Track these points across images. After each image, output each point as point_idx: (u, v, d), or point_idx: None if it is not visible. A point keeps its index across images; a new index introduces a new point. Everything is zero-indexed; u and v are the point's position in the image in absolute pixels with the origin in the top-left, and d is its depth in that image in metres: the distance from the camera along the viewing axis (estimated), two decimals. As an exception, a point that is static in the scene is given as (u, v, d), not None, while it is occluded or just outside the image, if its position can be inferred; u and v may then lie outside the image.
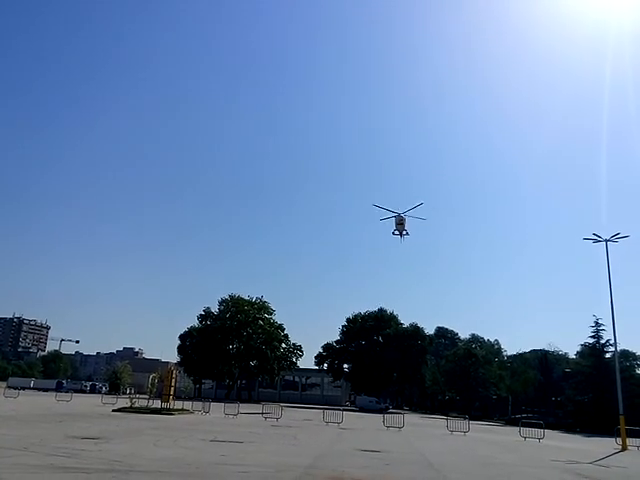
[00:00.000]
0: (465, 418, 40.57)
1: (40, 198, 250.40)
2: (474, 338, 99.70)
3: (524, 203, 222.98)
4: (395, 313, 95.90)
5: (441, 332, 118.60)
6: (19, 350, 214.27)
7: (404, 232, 44.81)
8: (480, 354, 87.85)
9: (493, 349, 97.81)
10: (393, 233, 43.76)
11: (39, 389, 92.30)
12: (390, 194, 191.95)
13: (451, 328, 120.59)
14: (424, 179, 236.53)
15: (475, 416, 67.30)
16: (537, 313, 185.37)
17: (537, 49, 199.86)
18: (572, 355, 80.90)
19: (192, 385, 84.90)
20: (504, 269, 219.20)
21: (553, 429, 48.38)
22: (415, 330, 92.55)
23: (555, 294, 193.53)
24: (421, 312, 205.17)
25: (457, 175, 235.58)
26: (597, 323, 60.79)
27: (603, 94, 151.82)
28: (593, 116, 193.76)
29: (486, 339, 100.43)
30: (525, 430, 35.29)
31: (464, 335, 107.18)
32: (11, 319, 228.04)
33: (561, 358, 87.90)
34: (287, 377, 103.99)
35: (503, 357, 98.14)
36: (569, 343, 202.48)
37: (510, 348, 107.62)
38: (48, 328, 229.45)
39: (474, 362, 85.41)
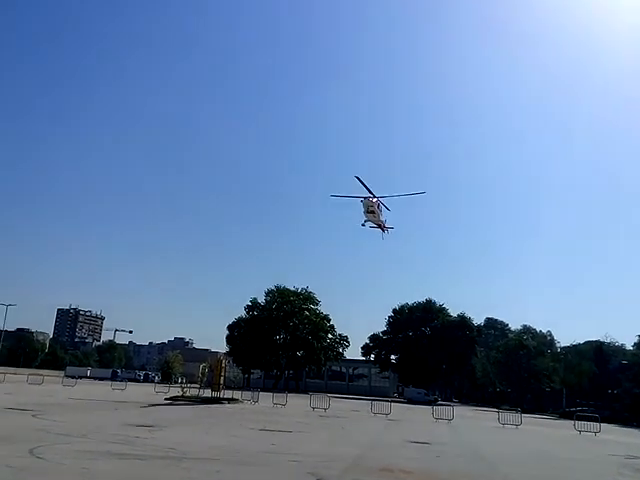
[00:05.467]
0: (517, 411, 39.55)
1: (94, 193, 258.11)
2: (526, 329, 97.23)
3: (584, 191, 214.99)
4: (444, 305, 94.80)
5: (490, 323, 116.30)
6: (76, 340, 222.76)
7: (384, 223, 34.45)
8: (532, 345, 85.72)
9: (546, 340, 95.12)
10: (363, 225, 33.24)
11: (95, 378, 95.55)
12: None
13: (501, 319, 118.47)
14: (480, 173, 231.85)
15: (528, 409, 65.68)
16: (593, 303, 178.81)
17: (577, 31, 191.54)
18: (629, 347, 77.95)
19: (241, 375, 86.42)
20: (557, 260, 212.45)
21: (609, 423, 46.70)
22: (463, 321, 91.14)
23: (612, 284, 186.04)
24: (470, 302, 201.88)
25: (516, 163, 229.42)
26: (657, 314, 58.31)
27: None
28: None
29: (538, 330, 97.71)
30: (580, 423, 34.21)
31: (515, 326, 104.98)
32: (68, 310, 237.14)
33: (618, 350, 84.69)
34: (334, 367, 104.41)
35: (556, 349, 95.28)
36: (626, 334, 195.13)
37: (564, 339, 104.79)
38: (103, 319, 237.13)
39: (526, 353, 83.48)
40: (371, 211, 31.91)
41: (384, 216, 34.07)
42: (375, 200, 31.77)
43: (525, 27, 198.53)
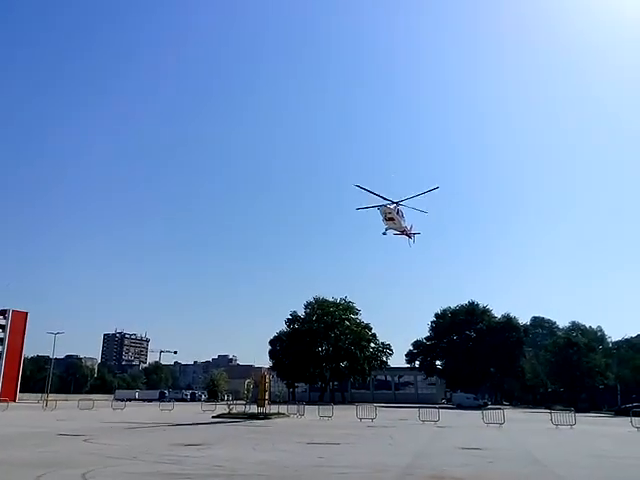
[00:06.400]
0: (571, 410, 38.25)
1: (138, 215, 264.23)
2: (574, 326, 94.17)
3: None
4: (487, 306, 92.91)
5: (537, 322, 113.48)
6: (123, 363, 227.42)
7: (407, 229, 32.33)
8: (582, 342, 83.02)
9: (596, 336, 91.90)
10: (384, 233, 31.65)
11: (144, 400, 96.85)
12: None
13: (548, 317, 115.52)
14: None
15: (582, 408, 63.47)
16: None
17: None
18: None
19: (286, 389, 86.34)
20: (601, 252, 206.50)
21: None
22: (508, 321, 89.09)
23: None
24: (515, 302, 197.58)
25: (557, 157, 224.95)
26: None
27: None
28: None
29: (588, 326, 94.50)
30: (637, 420, 32.82)
31: (563, 324, 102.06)
32: (114, 334, 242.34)
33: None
34: (379, 377, 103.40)
35: (608, 344, 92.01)
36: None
37: (615, 334, 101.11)
38: (148, 341, 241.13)
39: (576, 351, 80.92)
40: (390, 218, 30.11)
41: (406, 222, 32.22)
42: (393, 206, 29.86)
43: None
